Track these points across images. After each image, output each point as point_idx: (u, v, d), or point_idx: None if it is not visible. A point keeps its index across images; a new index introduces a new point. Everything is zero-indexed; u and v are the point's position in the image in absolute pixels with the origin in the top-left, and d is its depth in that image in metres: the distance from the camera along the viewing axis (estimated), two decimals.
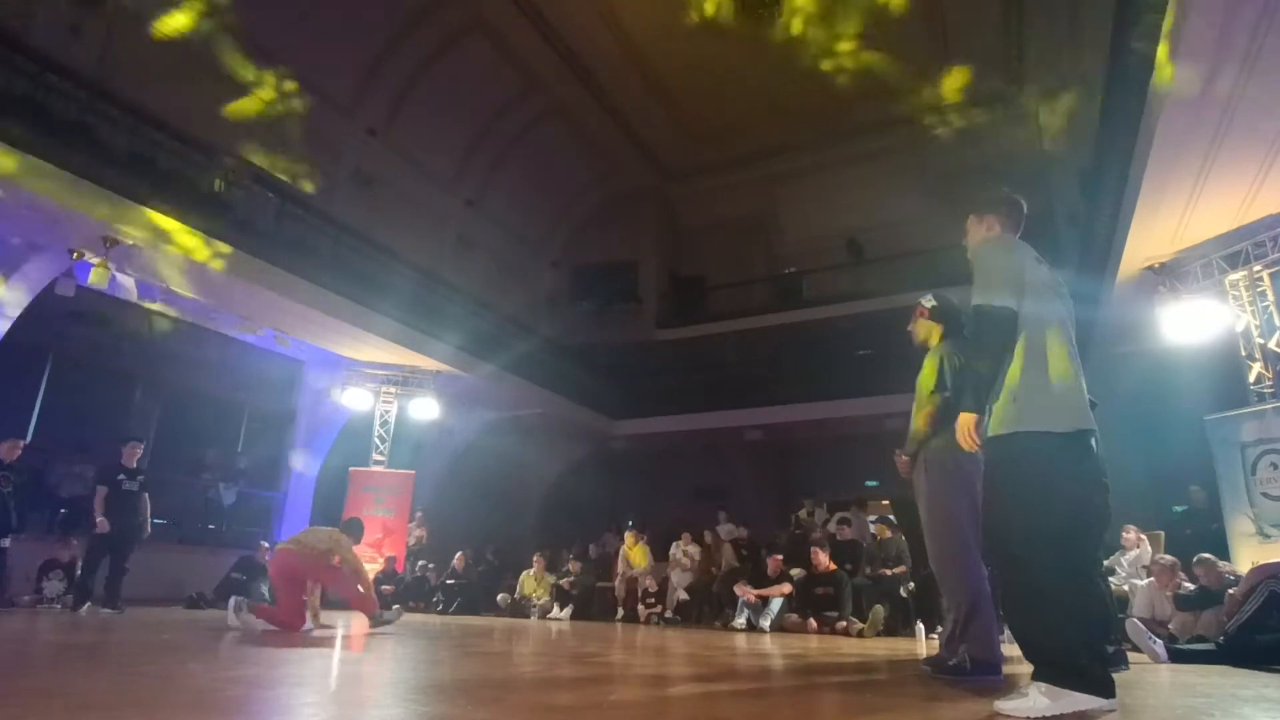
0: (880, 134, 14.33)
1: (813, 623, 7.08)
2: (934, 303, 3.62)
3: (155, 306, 9.57)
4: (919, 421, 3.43)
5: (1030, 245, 2.58)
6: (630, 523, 10.02)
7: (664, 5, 11.90)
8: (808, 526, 9.41)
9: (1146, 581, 5.92)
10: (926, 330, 3.62)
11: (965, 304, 2.61)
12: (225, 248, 7.61)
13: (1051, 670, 2.09)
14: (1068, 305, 2.51)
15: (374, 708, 2.30)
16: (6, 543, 6.65)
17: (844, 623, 6.91)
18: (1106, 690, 2.07)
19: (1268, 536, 6.42)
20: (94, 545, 6.78)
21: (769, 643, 5.80)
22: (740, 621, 7.51)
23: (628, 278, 16.72)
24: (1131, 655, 4.22)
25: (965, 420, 2.37)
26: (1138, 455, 8.51)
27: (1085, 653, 2.12)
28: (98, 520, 6.68)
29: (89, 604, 6.61)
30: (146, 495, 7.15)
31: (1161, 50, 5.04)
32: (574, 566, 9.75)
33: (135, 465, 7.08)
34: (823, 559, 7.38)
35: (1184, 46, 4.76)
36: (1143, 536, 6.66)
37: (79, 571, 6.96)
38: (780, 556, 7.90)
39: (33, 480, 7.00)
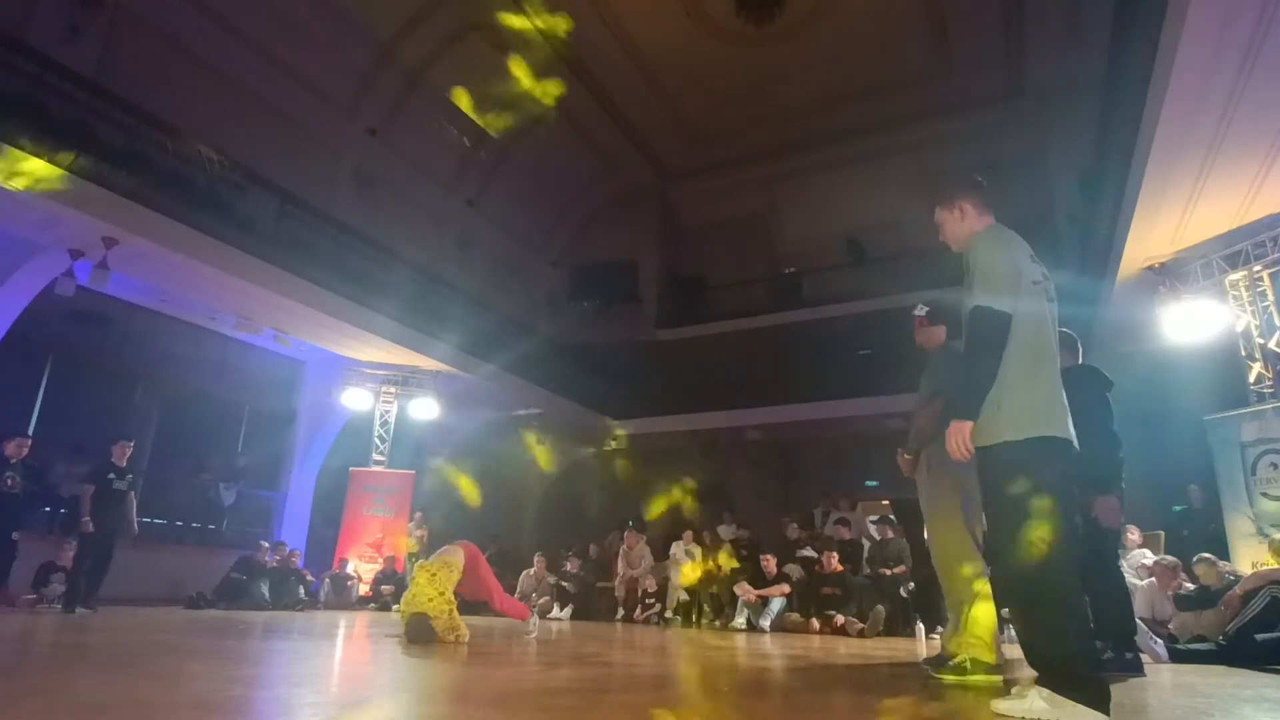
0: (880, 134, 14.34)
1: (814, 623, 7.08)
2: (926, 309, 3.63)
3: (156, 306, 9.56)
4: (922, 421, 3.43)
5: (1027, 243, 2.53)
6: (631, 522, 10.01)
7: (664, 5, 11.90)
8: (784, 525, 9.46)
9: (1147, 582, 5.92)
10: (931, 335, 3.63)
11: (959, 304, 2.59)
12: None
13: (1054, 677, 2.09)
14: (1054, 306, 2.48)
15: (374, 708, 2.30)
16: (16, 535, 6.66)
17: (842, 618, 6.92)
18: (1103, 704, 2.05)
19: (1268, 536, 6.42)
20: (82, 546, 6.76)
21: (769, 643, 5.80)
22: (740, 621, 7.51)
23: (628, 278, 16.69)
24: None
25: (957, 429, 2.30)
26: (1138, 455, 8.50)
27: (1085, 661, 2.12)
28: (83, 520, 6.67)
29: (78, 606, 6.57)
30: (133, 494, 7.12)
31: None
32: (573, 565, 9.76)
33: (125, 464, 7.02)
34: (834, 561, 7.43)
35: (1184, 46, 4.76)
36: (1132, 538, 6.69)
37: (70, 573, 6.90)
38: (774, 558, 7.92)
39: (33, 480, 6.98)
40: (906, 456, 3.54)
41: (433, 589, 4.54)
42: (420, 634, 4.50)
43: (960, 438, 2.29)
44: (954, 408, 2.39)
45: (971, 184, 2.70)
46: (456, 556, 4.87)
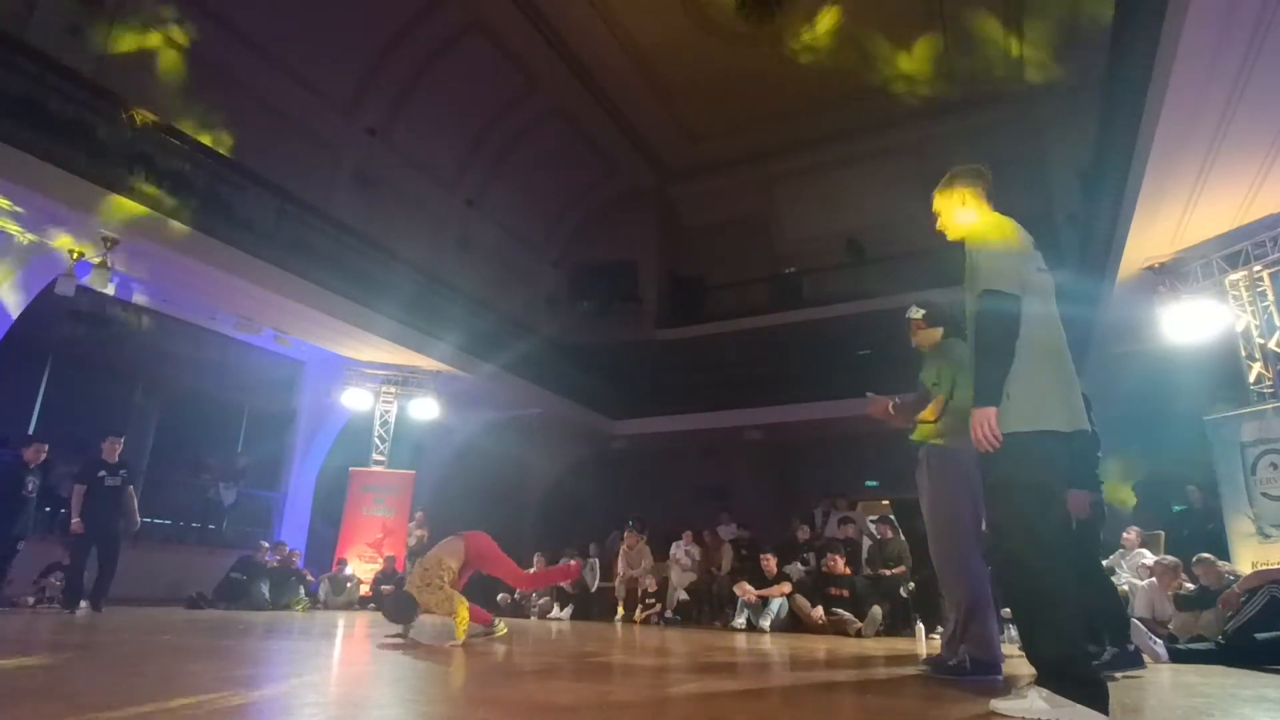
0: (880, 134, 14.34)
1: (820, 611, 7.08)
2: (922, 311, 3.63)
3: (156, 306, 9.56)
4: (926, 414, 3.43)
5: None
6: (631, 522, 10.00)
7: (664, 5, 11.90)
8: (790, 526, 9.49)
9: (1147, 582, 5.93)
10: (928, 337, 3.64)
11: (955, 304, 2.57)
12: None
13: (1055, 678, 2.07)
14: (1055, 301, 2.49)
15: (374, 708, 2.30)
16: (22, 546, 6.63)
17: (843, 610, 6.94)
18: (1103, 704, 2.03)
19: (1268, 536, 6.42)
20: (76, 545, 6.71)
21: (769, 643, 5.80)
22: (740, 621, 7.51)
23: (628, 278, 16.71)
24: None
25: (983, 415, 2.21)
26: (1138, 455, 8.51)
27: (1085, 660, 2.10)
28: (73, 521, 6.61)
29: (83, 604, 6.55)
30: (132, 488, 7.07)
31: None
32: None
33: (116, 460, 6.93)
34: (839, 564, 7.45)
35: (1184, 46, 4.76)
36: (1131, 538, 6.69)
37: (69, 572, 6.86)
38: (774, 557, 7.91)
39: (40, 481, 6.97)
40: (889, 409, 3.50)
41: (422, 582, 4.58)
42: (400, 611, 4.54)
43: (987, 424, 2.20)
44: (975, 397, 2.29)
45: (974, 172, 2.68)
46: (454, 551, 4.87)
